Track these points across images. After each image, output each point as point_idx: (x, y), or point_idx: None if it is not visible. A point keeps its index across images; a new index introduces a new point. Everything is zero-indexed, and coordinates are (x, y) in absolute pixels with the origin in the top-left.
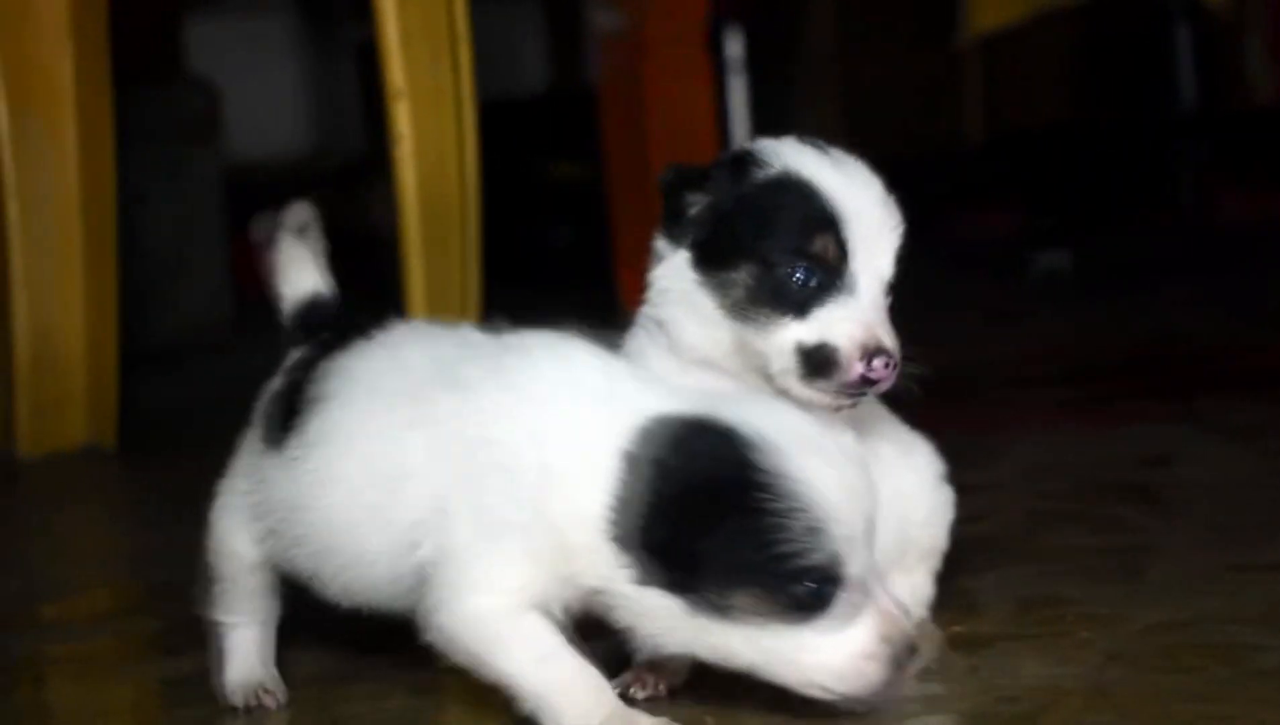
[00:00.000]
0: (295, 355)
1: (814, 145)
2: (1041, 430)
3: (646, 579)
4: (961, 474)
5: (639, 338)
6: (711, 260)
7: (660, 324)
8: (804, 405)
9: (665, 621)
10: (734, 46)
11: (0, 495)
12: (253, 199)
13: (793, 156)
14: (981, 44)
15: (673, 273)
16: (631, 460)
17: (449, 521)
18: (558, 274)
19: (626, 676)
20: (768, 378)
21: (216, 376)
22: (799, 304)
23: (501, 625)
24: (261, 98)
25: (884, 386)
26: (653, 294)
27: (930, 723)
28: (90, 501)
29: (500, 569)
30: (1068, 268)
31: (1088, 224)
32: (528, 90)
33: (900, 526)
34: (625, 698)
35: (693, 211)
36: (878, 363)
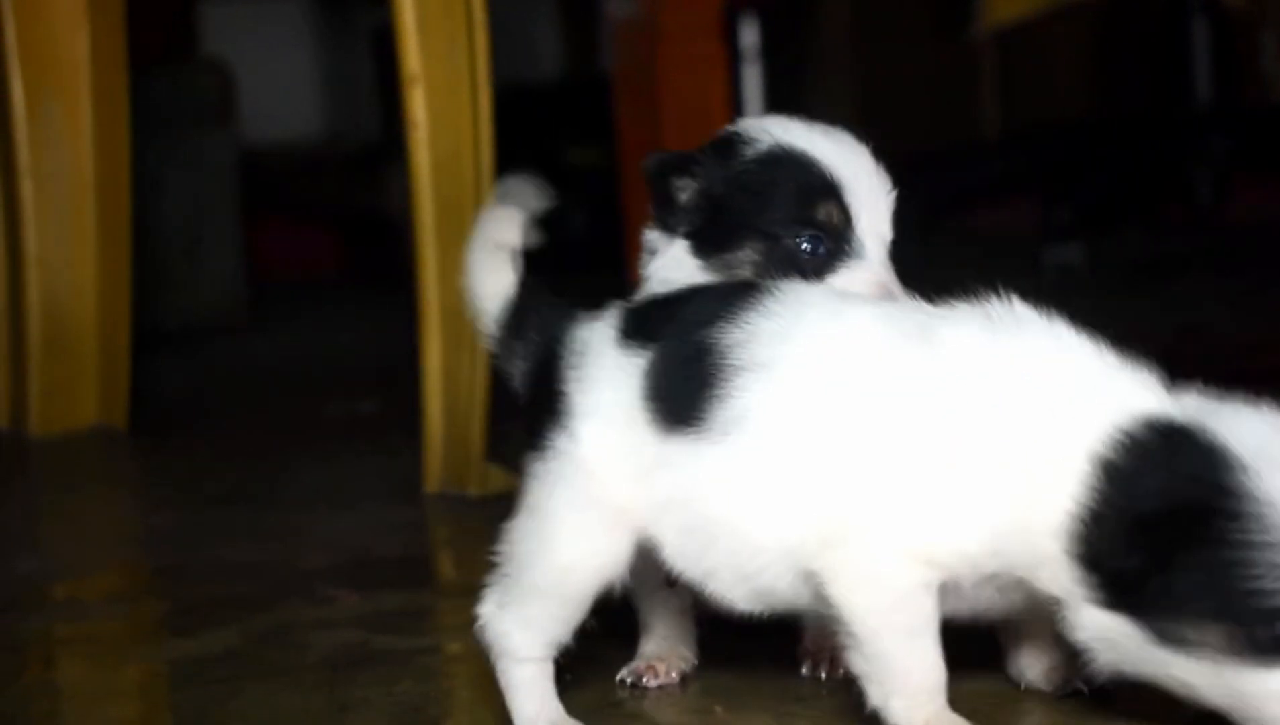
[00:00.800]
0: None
1: (797, 120)
2: None
3: (1112, 603)
4: None
5: None
6: (712, 244)
7: None
8: None
9: (1127, 649)
10: (749, 36)
11: (11, 475)
12: (268, 182)
13: (779, 131)
14: (997, 37)
15: (673, 264)
16: (1107, 468)
17: (902, 477)
18: (574, 260)
19: (638, 665)
20: None
21: (230, 359)
22: (812, 273)
23: (909, 594)
24: (278, 81)
25: None
26: (652, 286)
27: None
28: (101, 482)
29: (945, 539)
30: (1081, 262)
31: (1102, 218)
32: (545, 76)
33: None
34: (637, 686)
35: (683, 198)
36: None
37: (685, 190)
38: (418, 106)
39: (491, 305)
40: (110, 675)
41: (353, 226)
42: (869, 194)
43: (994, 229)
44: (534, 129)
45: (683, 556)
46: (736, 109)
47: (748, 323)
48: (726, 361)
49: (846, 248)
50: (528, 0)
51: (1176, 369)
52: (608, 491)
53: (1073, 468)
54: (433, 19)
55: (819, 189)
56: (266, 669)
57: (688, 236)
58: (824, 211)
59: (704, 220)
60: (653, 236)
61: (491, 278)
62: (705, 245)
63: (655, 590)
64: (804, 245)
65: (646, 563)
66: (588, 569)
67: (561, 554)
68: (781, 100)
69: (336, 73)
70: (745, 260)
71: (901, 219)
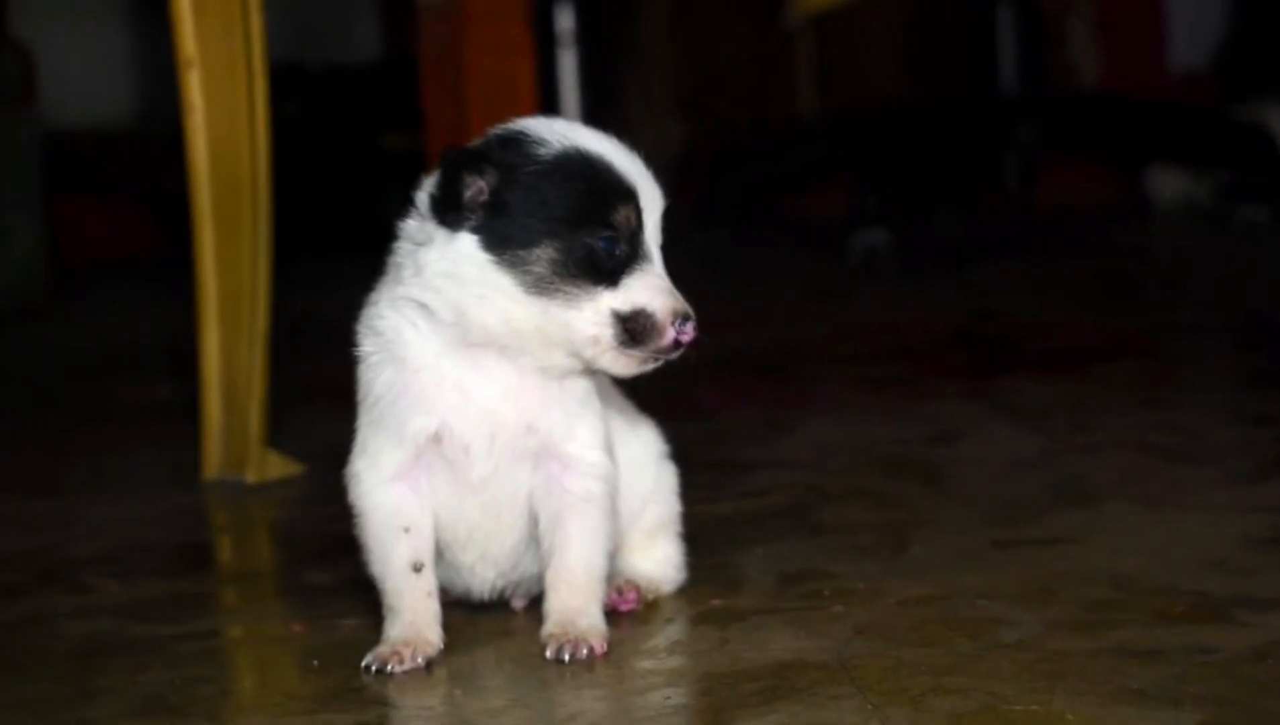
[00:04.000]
0: None
1: (576, 123)
2: (839, 407)
3: None
4: (747, 451)
5: (389, 318)
6: (504, 240)
7: (425, 307)
8: (611, 373)
9: None
10: (565, 21)
11: None
12: (79, 162)
13: (569, 133)
14: (815, 23)
15: (456, 256)
16: None
17: None
18: (388, 243)
19: (382, 649)
20: (572, 351)
21: (28, 343)
22: (609, 273)
23: None
24: (90, 61)
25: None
26: (426, 277)
27: (666, 694)
28: None
29: None
30: (887, 247)
31: (911, 204)
32: (363, 60)
33: (630, 496)
34: (381, 672)
35: (470, 194)
36: (688, 326)
37: (472, 187)
38: (193, 90)
39: None
40: None
41: (166, 206)
42: (651, 200)
43: (808, 213)
44: (349, 113)
45: None
46: (552, 93)
47: None
48: None
49: (638, 252)
50: None
51: (967, 350)
52: None
53: None
54: (209, 3)
55: (618, 192)
56: (17, 658)
57: (476, 231)
58: (622, 214)
59: (495, 216)
60: (415, 227)
61: None
62: (496, 242)
63: (402, 574)
64: (603, 247)
65: (394, 545)
66: None
67: None
68: (599, 85)
69: (149, 52)
70: (542, 257)
71: (669, 226)
